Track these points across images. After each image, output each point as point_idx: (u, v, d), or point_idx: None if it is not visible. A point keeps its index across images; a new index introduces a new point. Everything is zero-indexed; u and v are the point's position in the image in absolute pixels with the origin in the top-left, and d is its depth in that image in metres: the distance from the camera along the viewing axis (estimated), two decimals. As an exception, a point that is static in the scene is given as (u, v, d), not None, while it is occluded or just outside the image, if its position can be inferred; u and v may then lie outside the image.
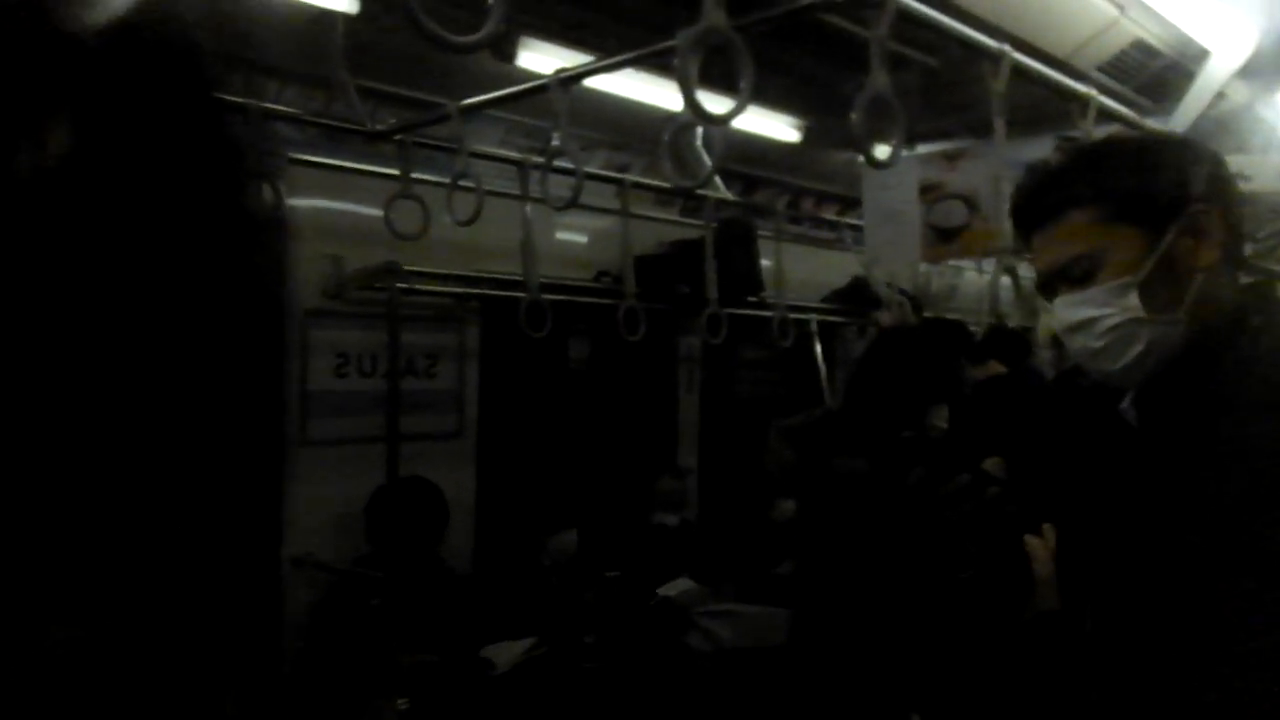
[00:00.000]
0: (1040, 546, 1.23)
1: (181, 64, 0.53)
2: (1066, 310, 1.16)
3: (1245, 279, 1.17)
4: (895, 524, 1.82)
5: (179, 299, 0.51)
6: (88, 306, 0.47)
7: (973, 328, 4.02)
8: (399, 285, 3.06)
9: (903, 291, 4.10)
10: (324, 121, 2.75)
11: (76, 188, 0.45)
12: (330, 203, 3.12)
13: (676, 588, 3.19)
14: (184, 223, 0.51)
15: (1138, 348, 1.12)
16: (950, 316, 4.53)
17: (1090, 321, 1.14)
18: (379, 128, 2.68)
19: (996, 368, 3.35)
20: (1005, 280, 2.48)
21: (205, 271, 0.53)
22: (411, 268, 3.05)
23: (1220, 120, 3.16)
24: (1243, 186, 2.88)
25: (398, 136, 2.68)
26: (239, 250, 0.57)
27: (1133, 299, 1.10)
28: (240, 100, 2.44)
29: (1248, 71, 3.02)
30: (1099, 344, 1.14)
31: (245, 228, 0.58)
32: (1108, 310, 1.12)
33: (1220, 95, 3.10)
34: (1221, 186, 1.15)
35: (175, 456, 0.54)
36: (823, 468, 2.29)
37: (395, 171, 2.69)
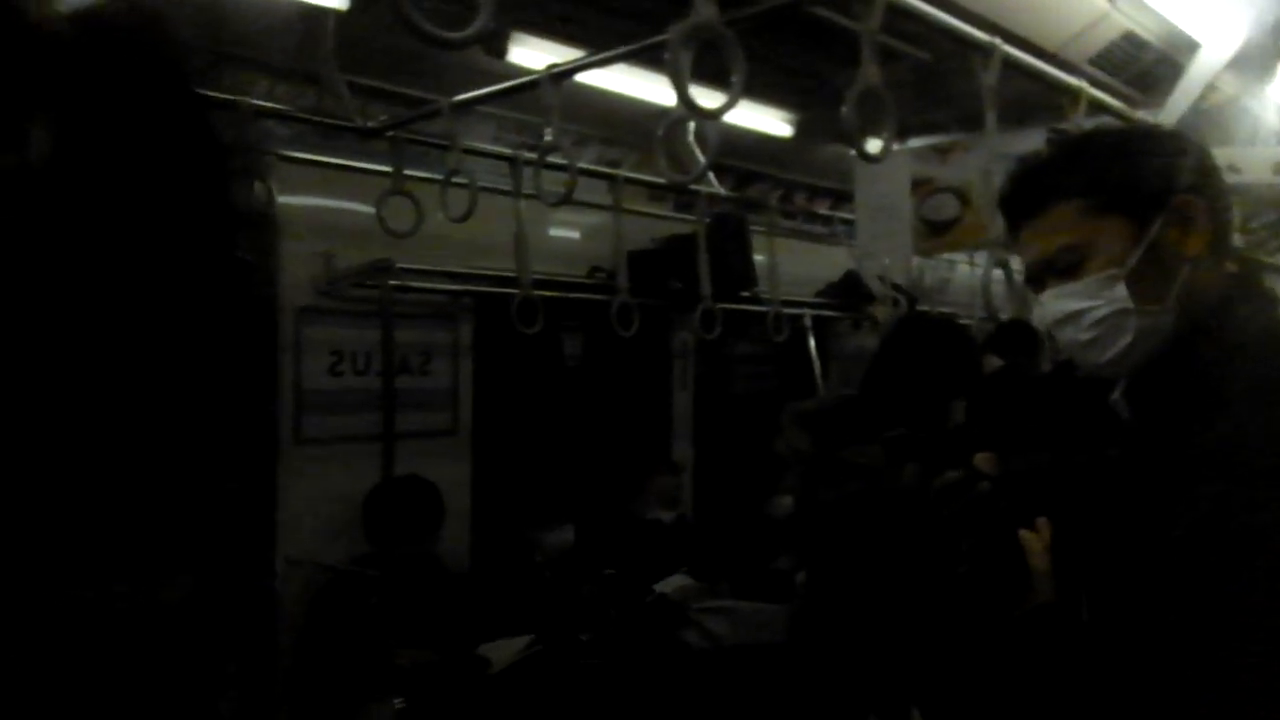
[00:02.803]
0: (1035, 540, 1.23)
1: (160, 61, 0.53)
2: (1054, 303, 1.17)
3: (1232, 269, 1.17)
4: (893, 519, 1.82)
5: (162, 295, 0.51)
6: (70, 304, 0.47)
7: (964, 321, 4.02)
8: (392, 282, 3.05)
9: (895, 286, 4.10)
10: (316, 118, 2.74)
11: (58, 186, 0.45)
12: (323, 200, 3.11)
13: (672, 584, 3.20)
14: (165, 219, 0.51)
15: (1126, 339, 1.12)
16: (943, 310, 4.54)
17: (1078, 314, 1.14)
18: (371, 124, 2.68)
19: (993, 362, 3.35)
20: (998, 273, 2.48)
21: (188, 267, 0.53)
22: (405, 264, 3.05)
23: (1210, 112, 3.17)
24: (1232, 178, 2.90)
25: (390, 133, 2.67)
26: (221, 246, 0.57)
27: (1120, 290, 1.11)
28: (231, 97, 2.44)
29: (1237, 64, 3.03)
30: (1087, 336, 1.14)
31: (227, 223, 0.58)
32: (1095, 302, 1.12)
33: (1210, 87, 3.11)
34: (1207, 177, 1.15)
35: (159, 453, 0.54)
36: (837, 456, 2.27)
37: (388, 168, 2.69)
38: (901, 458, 1.39)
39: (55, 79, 0.45)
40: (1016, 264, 2.72)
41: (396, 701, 2.41)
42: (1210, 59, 2.99)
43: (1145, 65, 3.15)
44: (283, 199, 2.85)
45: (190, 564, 0.59)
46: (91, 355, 0.48)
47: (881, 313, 4.04)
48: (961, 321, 3.95)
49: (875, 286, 4.09)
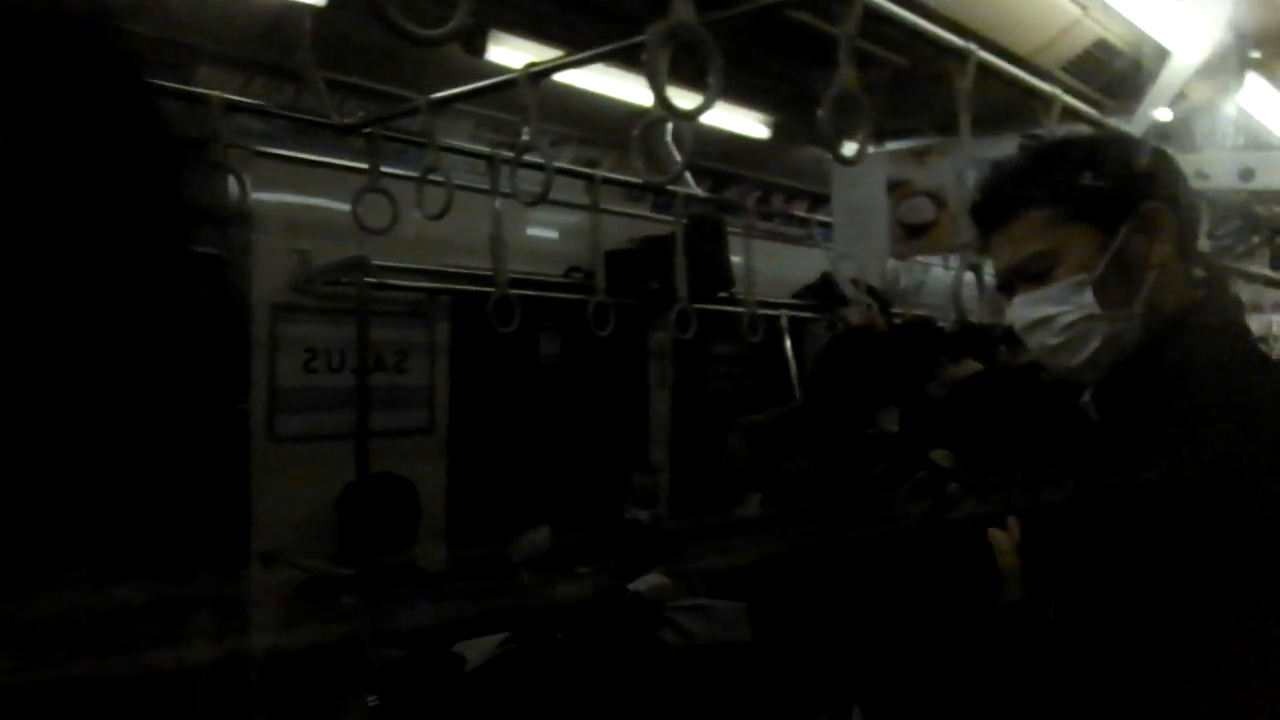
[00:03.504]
0: (1004, 539, 1.25)
1: (107, 52, 0.52)
2: (1024, 308, 1.18)
3: (1199, 274, 1.19)
4: (847, 522, 1.84)
5: (119, 290, 0.51)
6: (26, 299, 0.46)
7: (940, 324, 4.06)
8: (368, 280, 3.04)
9: (870, 289, 4.13)
10: (292, 114, 2.72)
11: (7, 179, 0.45)
12: (298, 197, 3.09)
13: (648, 583, 3.20)
14: (117, 211, 0.51)
15: (1094, 344, 1.14)
16: (919, 313, 4.58)
17: (1047, 319, 1.16)
18: (347, 121, 2.66)
19: (973, 366, 3.38)
20: (970, 277, 2.50)
21: (142, 260, 0.53)
22: (380, 262, 3.04)
23: (1180, 119, 3.22)
24: (1201, 185, 2.94)
25: (366, 130, 2.66)
26: (176, 239, 0.56)
27: (1088, 296, 1.13)
28: (205, 92, 2.42)
29: (1207, 71, 3.08)
30: (1056, 341, 1.16)
31: (181, 216, 0.58)
32: (1064, 308, 1.14)
33: (1180, 95, 3.16)
34: (1174, 185, 1.18)
35: (123, 449, 0.54)
36: (773, 467, 2.32)
37: (364, 165, 2.68)
38: (871, 457, 1.41)
39: (2, 73, 0.45)
40: (988, 268, 2.75)
41: (370, 699, 2.40)
42: (1180, 66, 3.04)
43: (1117, 72, 3.19)
44: (258, 195, 2.83)
45: (156, 560, 0.59)
46: (50, 351, 0.48)
47: (855, 315, 4.07)
48: (938, 324, 4.01)
49: (848, 289, 4.12)
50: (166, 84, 2.30)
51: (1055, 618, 1.15)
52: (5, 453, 0.47)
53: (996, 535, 1.26)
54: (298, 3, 2.46)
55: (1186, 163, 1.26)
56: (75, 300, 0.49)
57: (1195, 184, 1.26)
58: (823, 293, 4.51)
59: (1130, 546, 1.04)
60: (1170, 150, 1.28)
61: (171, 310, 0.56)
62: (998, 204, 1.20)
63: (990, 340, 3.06)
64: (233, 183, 2.52)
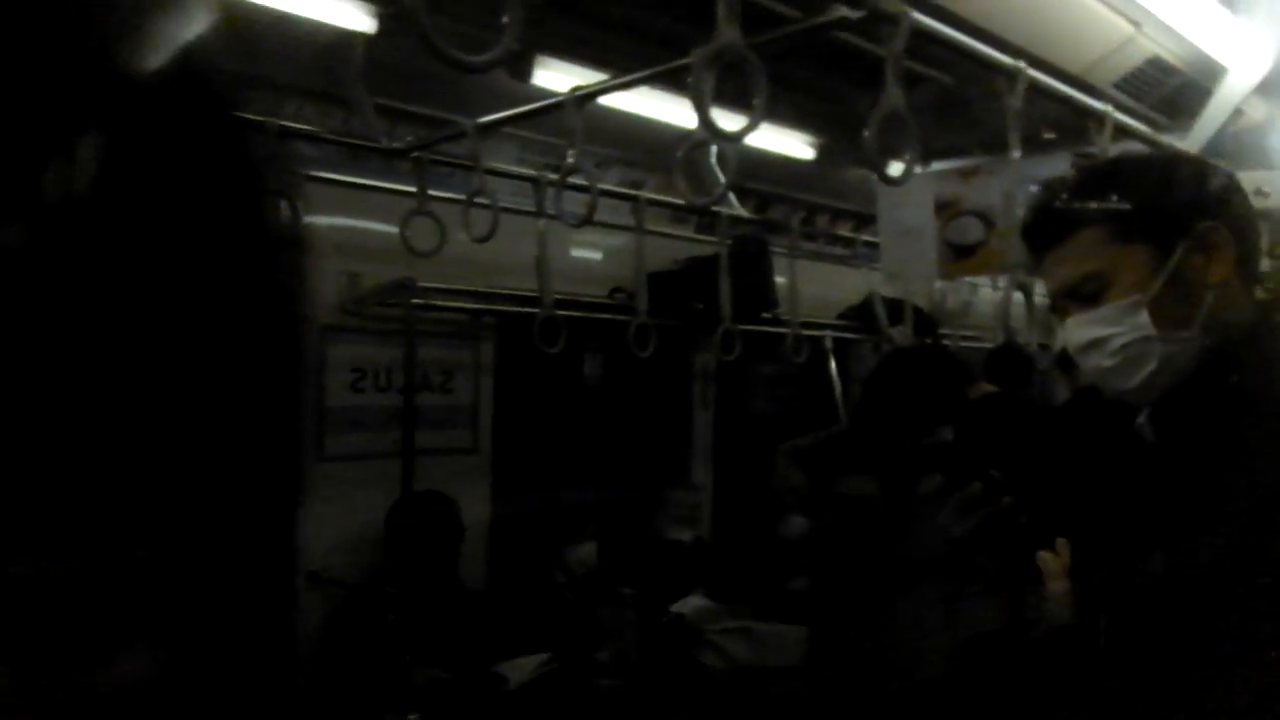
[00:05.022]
0: (1054, 561, 1.22)
1: (206, 89, 0.54)
2: (1077, 330, 1.16)
3: (1260, 295, 1.16)
4: (906, 540, 1.81)
5: (201, 315, 0.52)
6: (113, 323, 0.47)
7: (988, 345, 3.99)
8: (415, 301, 3.07)
9: (917, 310, 4.09)
10: (342, 139, 2.77)
11: (103, 207, 0.46)
12: (347, 220, 3.14)
13: (690, 605, 3.18)
14: (207, 241, 0.52)
15: (1150, 366, 1.11)
16: (966, 334, 4.51)
17: (1101, 341, 1.13)
18: (396, 145, 2.70)
19: (986, 388, 3.33)
20: (1019, 297, 2.46)
21: (227, 288, 0.54)
22: (427, 284, 3.07)
23: (1238, 137, 3.15)
24: (1260, 203, 2.87)
25: (414, 154, 2.70)
26: (259, 268, 0.58)
27: (1143, 317, 1.10)
28: (259, 118, 2.47)
29: (1265, 88, 3.01)
30: (1110, 363, 1.13)
31: (264, 246, 0.59)
32: (1118, 329, 1.12)
33: (1238, 112, 3.09)
34: (1233, 203, 1.15)
35: (192, 470, 0.54)
36: (832, 490, 2.29)
37: (412, 189, 2.71)
38: (923, 469, 1.38)
39: (102, 103, 0.46)
40: (1038, 288, 2.71)
41: (412, 718, 2.41)
42: (1237, 83, 2.97)
43: (1171, 90, 3.13)
44: (308, 218, 2.88)
45: (211, 579, 0.59)
46: (130, 369, 0.49)
47: (899, 337, 4.02)
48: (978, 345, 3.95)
49: (880, 319, 4.09)
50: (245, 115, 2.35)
51: (1105, 643, 1.12)
52: (74, 468, 0.48)
53: (1046, 558, 1.23)
54: (348, 30, 2.51)
55: (1245, 180, 1.22)
56: (154, 323, 0.50)
57: (1254, 202, 1.23)
58: (868, 314, 4.46)
59: (1184, 572, 1.02)
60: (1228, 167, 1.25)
61: (249, 333, 0.57)
62: (1050, 223, 1.18)
63: (1028, 362, 3.00)
64: (285, 207, 2.57)
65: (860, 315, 4.50)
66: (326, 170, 2.90)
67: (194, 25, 0.53)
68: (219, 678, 0.64)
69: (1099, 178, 1.20)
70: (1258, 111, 3.20)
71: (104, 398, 0.48)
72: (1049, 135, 2.10)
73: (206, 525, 0.59)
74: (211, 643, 0.62)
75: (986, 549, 1.27)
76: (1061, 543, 1.24)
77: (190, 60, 0.53)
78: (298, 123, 2.74)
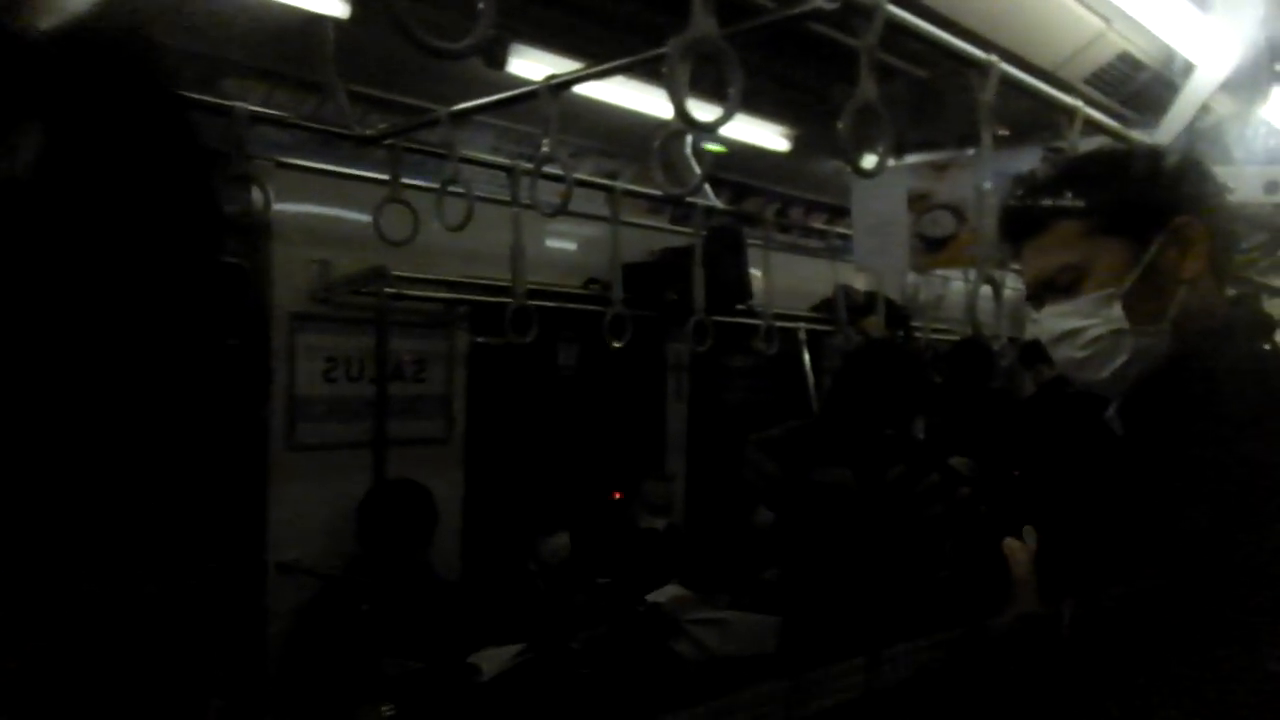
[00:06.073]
0: (1020, 549, 1.24)
1: (140, 65, 0.53)
2: (1052, 321, 1.17)
3: (1231, 291, 1.18)
4: (876, 526, 1.83)
5: (148, 302, 0.51)
6: (54, 311, 0.47)
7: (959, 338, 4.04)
8: (387, 290, 3.05)
9: (889, 302, 4.12)
10: (314, 126, 2.74)
11: (43, 194, 0.45)
12: (319, 207, 3.11)
13: (665, 594, 3.19)
14: (149, 225, 0.51)
15: (1121, 358, 1.13)
16: (938, 326, 4.55)
17: (1075, 332, 1.15)
18: (369, 132, 2.68)
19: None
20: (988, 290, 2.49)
21: (174, 274, 0.53)
22: (400, 273, 3.05)
23: (1204, 133, 3.19)
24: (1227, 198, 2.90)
25: (388, 141, 2.67)
26: (206, 252, 0.57)
27: (1116, 310, 1.12)
28: (228, 103, 2.44)
29: (1231, 85, 3.06)
30: (1083, 354, 1.15)
31: (213, 227, 0.58)
32: (1092, 321, 1.13)
33: (1205, 108, 3.13)
34: (1208, 199, 1.16)
35: (143, 461, 0.54)
36: (805, 479, 2.30)
37: (385, 176, 2.69)
38: (889, 459, 1.40)
39: (37, 87, 0.45)
40: (1009, 281, 2.73)
41: (385, 709, 2.40)
42: (1205, 80, 3.01)
43: (1140, 85, 3.17)
44: (279, 205, 2.85)
45: (173, 567, 0.59)
46: (76, 360, 0.48)
47: (873, 327, 4.05)
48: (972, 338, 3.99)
49: (840, 309, 4.13)
50: (190, 94, 2.32)
51: (1070, 631, 1.13)
52: (24, 460, 0.47)
53: (1012, 545, 1.25)
54: (320, 15, 2.48)
55: (1256, 175, 1.24)
56: (101, 309, 0.49)
57: (1266, 196, 1.25)
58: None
59: (1149, 561, 1.03)
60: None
61: (198, 320, 0.56)
62: (1028, 215, 1.20)
63: (991, 356, 3.04)
64: (256, 193, 2.54)
65: (834, 308, 4.53)
66: (298, 157, 2.87)
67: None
68: (183, 669, 0.64)
69: (1078, 170, 1.21)
70: (1224, 108, 3.25)
71: (47, 387, 0.47)
72: (1003, 132, 2.11)
73: (169, 513, 0.59)
74: (174, 633, 0.62)
75: (951, 537, 1.29)
76: (1028, 530, 1.26)
77: (130, 40, 0.52)
78: (269, 108, 2.70)
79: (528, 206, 2.71)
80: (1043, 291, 1.19)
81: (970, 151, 3.06)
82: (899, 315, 4.34)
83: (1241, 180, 3.00)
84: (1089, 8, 2.77)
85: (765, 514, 3.34)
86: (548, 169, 2.38)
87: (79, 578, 0.53)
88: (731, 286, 3.82)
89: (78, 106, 0.47)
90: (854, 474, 2.17)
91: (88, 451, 0.50)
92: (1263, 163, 3.22)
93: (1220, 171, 2.95)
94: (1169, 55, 3.02)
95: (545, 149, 2.20)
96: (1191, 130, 3.08)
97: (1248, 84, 3.07)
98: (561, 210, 2.44)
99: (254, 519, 2.95)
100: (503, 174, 2.93)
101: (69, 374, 0.47)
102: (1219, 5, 2.87)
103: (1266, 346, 1.14)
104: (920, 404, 2.44)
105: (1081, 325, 1.14)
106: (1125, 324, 1.11)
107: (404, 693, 2.50)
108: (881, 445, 2.08)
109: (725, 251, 3.82)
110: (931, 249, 3.04)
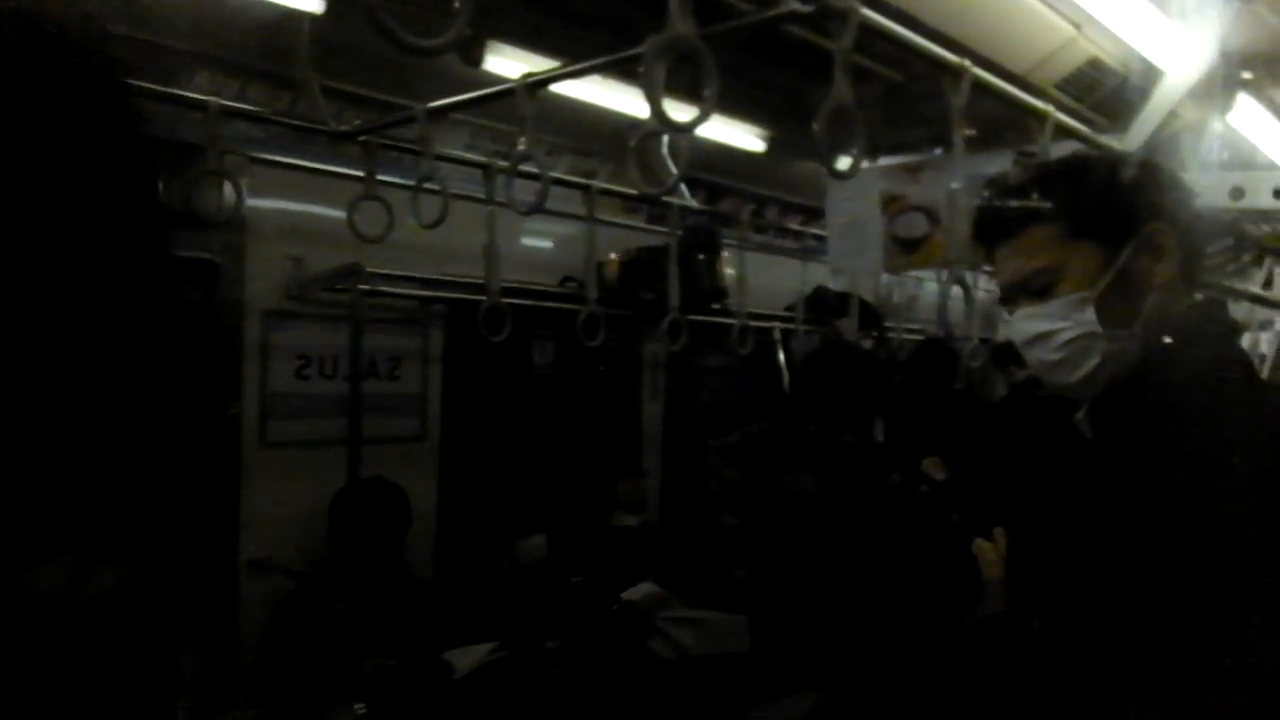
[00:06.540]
0: (990, 550, 1.26)
1: (82, 54, 0.52)
2: (1025, 323, 1.19)
3: (1199, 297, 1.20)
4: (843, 531, 1.84)
5: (101, 294, 0.51)
6: (7, 306, 0.46)
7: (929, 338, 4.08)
8: (362, 287, 3.04)
9: (862, 303, 4.15)
10: (288, 121, 2.72)
11: None
12: (293, 203, 3.09)
13: (640, 592, 3.19)
14: (93, 216, 0.51)
15: (1093, 361, 1.14)
16: (911, 327, 4.59)
17: (1047, 335, 1.16)
18: (344, 128, 2.66)
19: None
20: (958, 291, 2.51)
21: (125, 265, 0.53)
22: (375, 270, 3.04)
23: (1172, 138, 3.24)
24: (1235, 203, 2.96)
25: (363, 137, 2.66)
26: (152, 242, 0.56)
27: (1089, 313, 1.13)
28: (201, 98, 2.41)
29: (1199, 91, 3.10)
30: (1055, 357, 1.17)
31: (156, 218, 0.57)
32: (1064, 324, 1.15)
33: (1172, 114, 3.18)
34: (1179, 206, 1.19)
35: (107, 455, 0.53)
36: (767, 484, 2.31)
37: (360, 173, 2.68)
38: (853, 465, 1.41)
39: None
40: (980, 283, 2.76)
41: (358, 707, 2.39)
42: (1173, 86, 3.06)
43: (1110, 91, 3.22)
44: (253, 201, 2.83)
45: (132, 559, 0.58)
46: (34, 357, 0.48)
47: (846, 328, 4.08)
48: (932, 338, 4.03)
49: (799, 309, 4.16)
50: (162, 89, 2.30)
51: (1038, 630, 1.15)
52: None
53: (983, 546, 1.26)
54: (295, 10, 2.47)
55: (1222, 180, 1.27)
56: (57, 305, 0.49)
57: (1230, 202, 1.27)
58: (816, 306, 4.52)
59: (1117, 562, 1.05)
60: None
61: (157, 315, 0.55)
62: (1005, 218, 1.21)
63: (956, 357, 3.06)
64: (228, 188, 2.52)
65: (809, 307, 4.56)
66: (273, 152, 2.84)
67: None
68: (156, 667, 0.63)
69: (1053, 175, 1.23)
70: (1191, 114, 3.30)
71: (11, 384, 0.47)
72: (970, 133, 2.14)
73: (139, 510, 0.58)
74: (147, 630, 0.61)
75: (920, 537, 1.30)
76: (998, 531, 1.28)
77: (73, 29, 0.52)
78: (243, 103, 2.68)
79: (503, 204, 2.70)
80: (1016, 294, 1.21)
81: (944, 154, 3.09)
82: (872, 316, 4.38)
83: (1207, 186, 3.05)
84: (1060, 13, 2.81)
85: (732, 516, 3.36)
86: (524, 167, 2.38)
87: (45, 573, 0.53)
88: (706, 286, 3.84)
89: (13, 94, 0.46)
90: (815, 478, 2.19)
91: (49, 449, 0.50)
92: (1228, 168, 3.28)
93: (1187, 177, 3.01)
94: (1138, 61, 3.06)
95: (522, 147, 2.20)
96: (1159, 135, 3.13)
97: (1214, 91, 3.12)
98: (537, 208, 2.44)
99: (225, 516, 2.92)
100: (478, 171, 2.92)
101: (24, 372, 0.47)
102: (1187, 13, 2.92)
103: (1233, 350, 1.16)
104: (878, 405, 2.45)
105: (1055, 328, 1.15)
106: (1098, 327, 1.13)
107: (378, 690, 2.49)
108: (841, 448, 2.10)
109: (700, 251, 3.83)
110: (905, 250, 3.07)
